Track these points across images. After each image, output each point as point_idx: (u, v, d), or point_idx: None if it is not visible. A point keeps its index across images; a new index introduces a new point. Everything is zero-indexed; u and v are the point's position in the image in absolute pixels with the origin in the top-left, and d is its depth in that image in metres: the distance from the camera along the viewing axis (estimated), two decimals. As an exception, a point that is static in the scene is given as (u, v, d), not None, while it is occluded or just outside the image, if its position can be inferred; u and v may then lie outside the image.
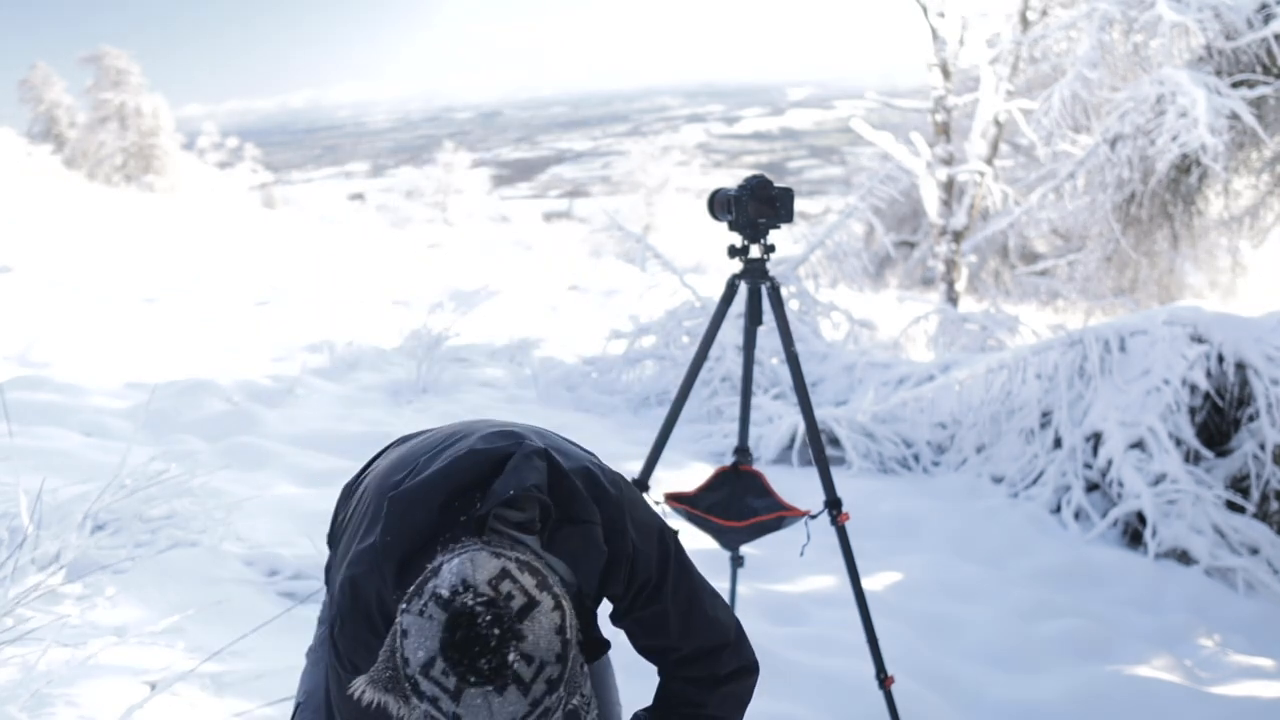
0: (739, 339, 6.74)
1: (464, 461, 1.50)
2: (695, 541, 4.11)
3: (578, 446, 1.65)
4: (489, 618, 1.26)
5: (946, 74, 11.94)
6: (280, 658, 2.86)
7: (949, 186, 12.18)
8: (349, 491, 1.77)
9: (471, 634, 1.26)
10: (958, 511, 5.18)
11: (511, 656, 1.26)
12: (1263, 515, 4.93)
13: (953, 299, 11.97)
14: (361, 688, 1.33)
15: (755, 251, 2.86)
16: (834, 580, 4.16)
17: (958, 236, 11.90)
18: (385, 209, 43.60)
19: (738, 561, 3.26)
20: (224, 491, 4.10)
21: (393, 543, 1.44)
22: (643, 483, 2.93)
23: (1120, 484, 5.00)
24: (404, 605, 1.32)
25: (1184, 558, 4.74)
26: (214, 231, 20.18)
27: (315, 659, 1.78)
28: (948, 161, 12.03)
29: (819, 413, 5.88)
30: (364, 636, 1.45)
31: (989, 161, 11.53)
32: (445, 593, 1.29)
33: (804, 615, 3.88)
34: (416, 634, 1.28)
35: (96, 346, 7.39)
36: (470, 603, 1.27)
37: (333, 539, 1.76)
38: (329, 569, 1.73)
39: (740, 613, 3.54)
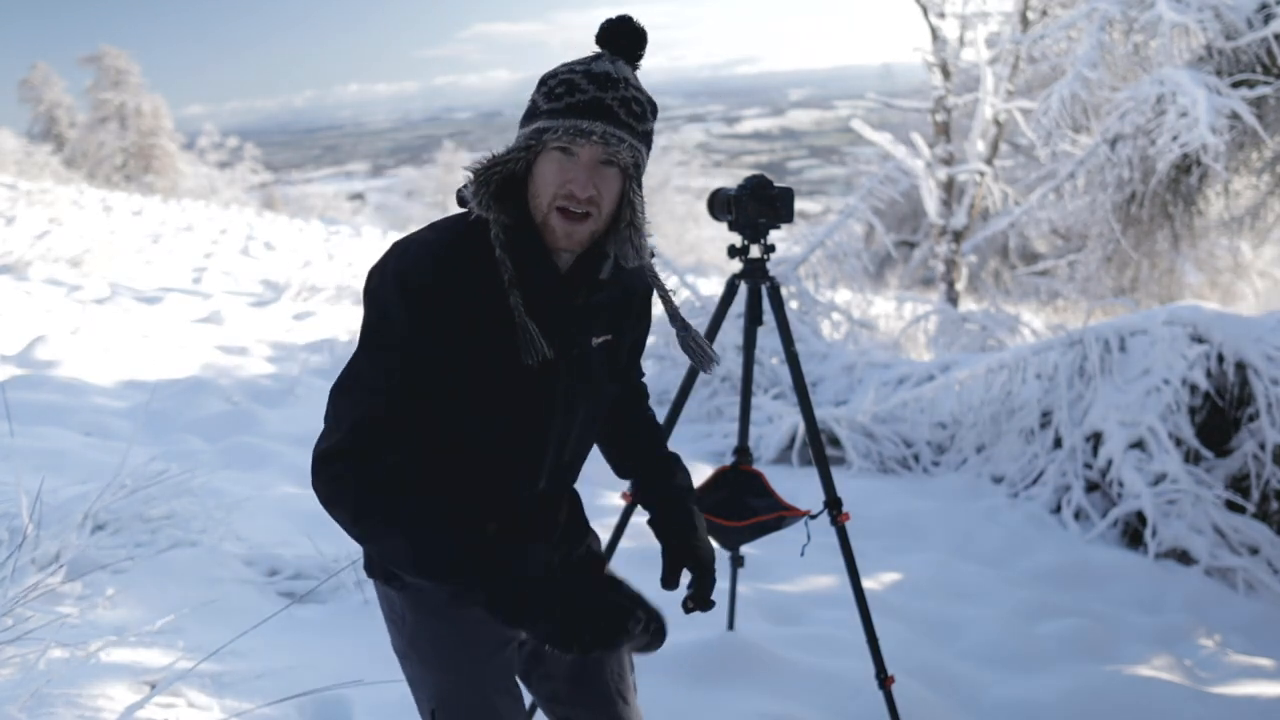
0: (739, 339, 6.74)
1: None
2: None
3: None
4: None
5: (946, 74, 11.96)
6: (280, 657, 2.86)
7: (949, 186, 12.19)
8: None
9: (617, 21, 1.52)
10: (958, 511, 5.18)
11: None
12: (1263, 515, 4.92)
13: (953, 299, 11.98)
14: (485, 159, 1.49)
15: (755, 251, 2.86)
16: (834, 580, 4.16)
17: (958, 236, 11.90)
18: (385, 209, 43.61)
19: (738, 561, 3.26)
20: (224, 491, 4.10)
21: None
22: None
23: (1120, 484, 5.00)
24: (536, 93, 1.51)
25: (1184, 558, 4.74)
26: (214, 231, 20.17)
27: (422, 657, 1.67)
28: (948, 161, 12.03)
29: (819, 413, 5.88)
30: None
31: (989, 161, 11.53)
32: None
33: (804, 615, 3.87)
34: (563, 68, 1.50)
35: (96, 346, 7.39)
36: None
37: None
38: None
39: (740, 612, 3.55)
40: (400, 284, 1.44)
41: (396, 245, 1.51)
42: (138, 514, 3.53)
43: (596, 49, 1.53)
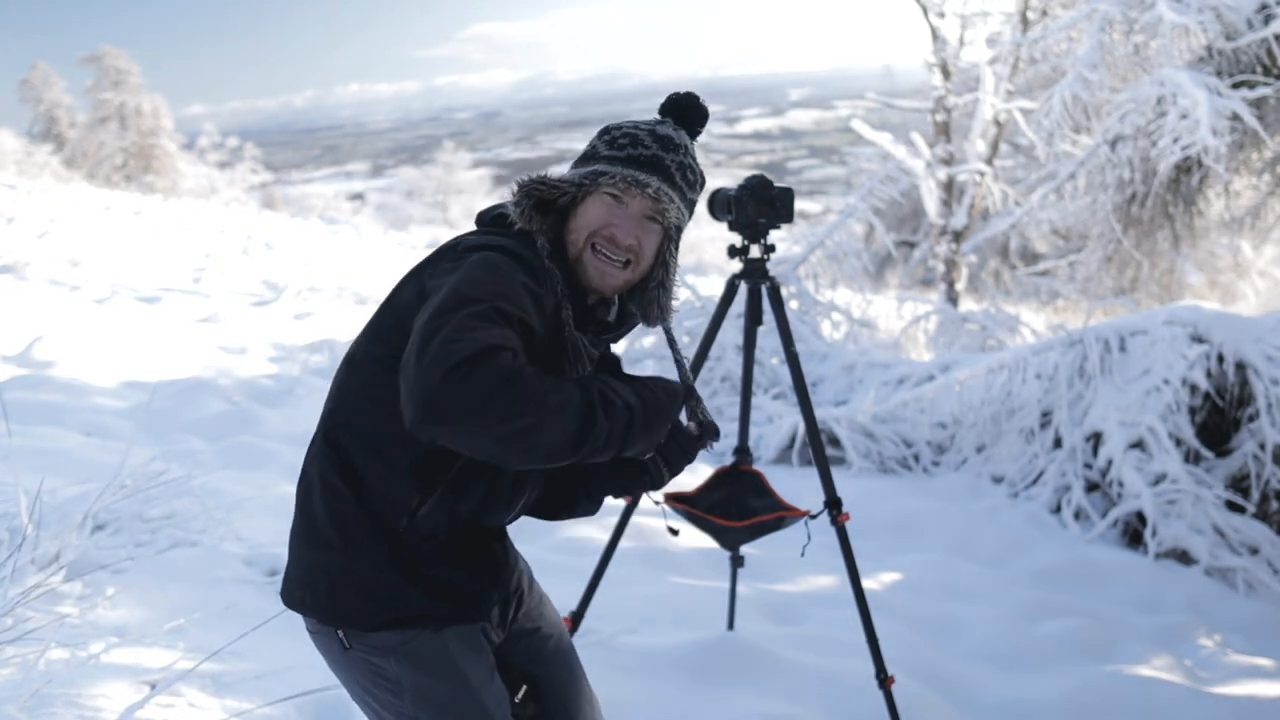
0: (739, 339, 6.74)
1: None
2: (695, 541, 4.12)
3: None
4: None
5: (946, 74, 11.95)
6: (280, 658, 2.85)
7: (949, 186, 12.18)
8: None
9: (684, 96, 1.65)
10: (958, 511, 5.18)
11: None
12: (1263, 515, 4.92)
13: (953, 299, 11.97)
14: (533, 178, 1.55)
15: (755, 251, 2.86)
16: (834, 580, 4.16)
17: (958, 236, 11.90)
18: (385, 209, 43.59)
19: (738, 561, 3.26)
20: (224, 491, 4.10)
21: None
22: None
23: (1120, 484, 5.00)
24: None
25: (1184, 558, 4.74)
26: (214, 231, 20.16)
27: (436, 713, 1.60)
28: (948, 161, 12.03)
29: (819, 413, 5.88)
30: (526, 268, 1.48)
31: (989, 161, 11.53)
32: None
33: (804, 615, 3.87)
34: (628, 124, 1.61)
35: (96, 346, 7.39)
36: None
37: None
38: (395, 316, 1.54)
39: (740, 612, 3.55)
40: (520, 285, 1.44)
41: (496, 246, 1.48)
42: (138, 514, 3.53)
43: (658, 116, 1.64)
